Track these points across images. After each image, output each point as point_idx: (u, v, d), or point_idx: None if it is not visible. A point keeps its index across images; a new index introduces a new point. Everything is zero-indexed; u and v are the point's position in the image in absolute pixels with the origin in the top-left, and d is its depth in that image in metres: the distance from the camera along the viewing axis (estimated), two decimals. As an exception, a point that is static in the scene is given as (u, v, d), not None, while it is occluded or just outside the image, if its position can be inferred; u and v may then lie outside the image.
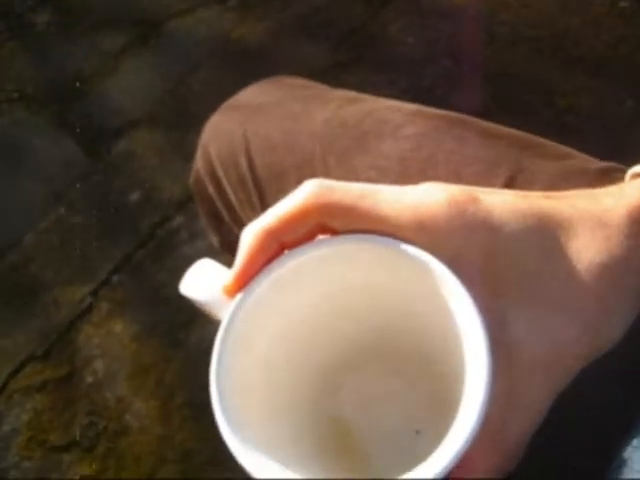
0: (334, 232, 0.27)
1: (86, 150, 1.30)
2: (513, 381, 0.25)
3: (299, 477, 0.24)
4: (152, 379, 1.04)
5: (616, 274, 0.26)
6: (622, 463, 0.24)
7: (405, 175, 0.42)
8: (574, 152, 0.43)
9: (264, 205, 0.48)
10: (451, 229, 0.25)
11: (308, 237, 0.27)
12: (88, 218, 1.22)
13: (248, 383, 0.26)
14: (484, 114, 0.46)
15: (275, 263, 0.27)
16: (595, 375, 0.26)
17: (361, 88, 0.52)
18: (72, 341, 1.09)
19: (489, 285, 0.25)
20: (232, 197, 0.51)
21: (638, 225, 0.26)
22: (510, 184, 0.39)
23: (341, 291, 0.28)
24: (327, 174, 0.44)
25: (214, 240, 0.61)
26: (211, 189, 0.54)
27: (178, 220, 1.18)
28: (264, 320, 0.27)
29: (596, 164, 0.41)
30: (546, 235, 0.26)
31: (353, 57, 1.30)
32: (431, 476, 0.22)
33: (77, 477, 0.98)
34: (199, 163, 0.55)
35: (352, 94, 0.51)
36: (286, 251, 0.27)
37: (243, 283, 0.27)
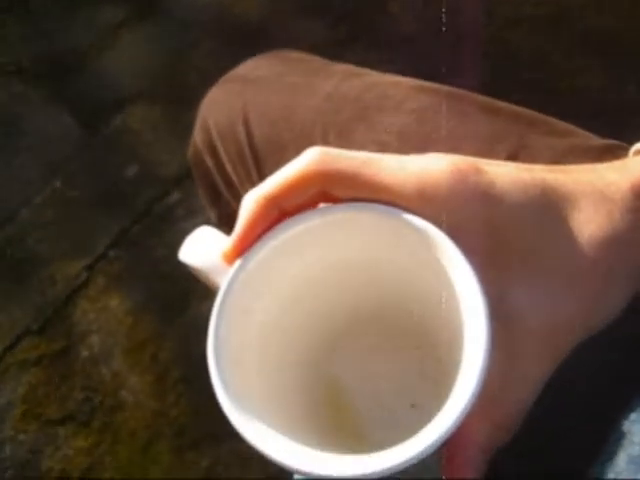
0: (336, 200, 0.27)
1: (83, 124, 1.29)
2: (512, 351, 0.25)
3: (300, 447, 0.24)
4: (148, 354, 1.04)
5: (618, 248, 0.26)
6: (621, 436, 0.24)
7: (406, 150, 0.41)
8: (577, 129, 0.43)
9: (262, 178, 0.47)
10: (453, 198, 0.25)
11: (309, 205, 0.27)
12: (85, 193, 1.22)
13: (245, 349, 0.26)
14: (484, 92, 0.46)
15: (275, 230, 0.26)
16: (594, 347, 0.26)
17: (360, 65, 0.52)
18: (68, 315, 1.09)
19: (490, 255, 0.25)
20: (230, 170, 0.51)
21: None
22: (512, 160, 0.39)
23: (341, 259, 0.28)
24: (327, 148, 0.43)
25: (212, 214, 0.60)
26: (209, 162, 0.53)
27: (175, 196, 1.17)
28: (263, 286, 0.27)
29: (599, 141, 0.41)
30: (549, 207, 0.26)
31: (352, 34, 1.28)
32: (429, 443, 0.22)
33: (72, 451, 0.99)
34: (197, 136, 0.54)
35: (354, 68, 0.51)
36: (287, 218, 0.27)
37: (242, 249, 0.27)
